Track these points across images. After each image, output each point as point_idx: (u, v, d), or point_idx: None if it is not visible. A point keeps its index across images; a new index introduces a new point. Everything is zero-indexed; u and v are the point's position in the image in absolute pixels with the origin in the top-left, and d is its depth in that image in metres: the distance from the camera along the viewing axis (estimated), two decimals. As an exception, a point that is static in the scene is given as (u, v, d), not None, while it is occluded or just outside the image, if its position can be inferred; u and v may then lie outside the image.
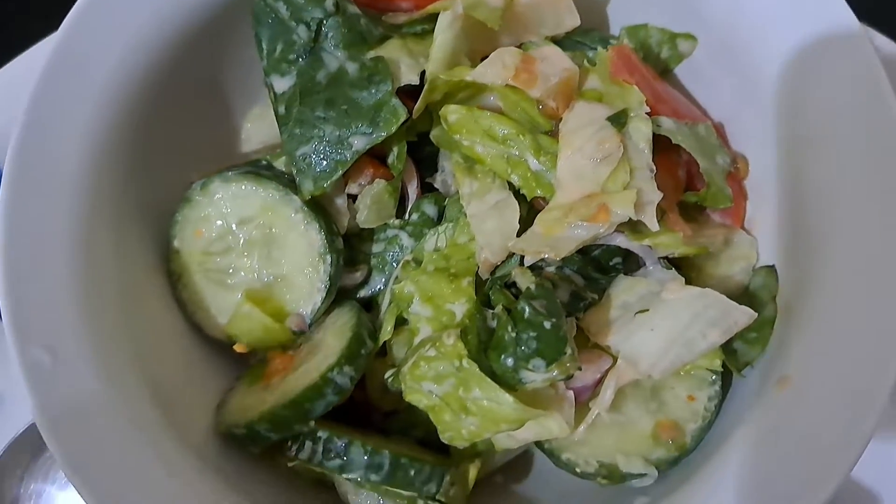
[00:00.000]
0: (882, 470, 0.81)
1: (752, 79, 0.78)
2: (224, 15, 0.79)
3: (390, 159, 0.77)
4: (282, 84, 0.76)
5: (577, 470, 0.72)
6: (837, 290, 0.69)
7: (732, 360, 0.72)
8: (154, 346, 0.75)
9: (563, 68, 0.73)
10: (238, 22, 0.80)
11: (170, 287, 0.80)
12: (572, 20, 0.80)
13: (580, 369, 0.67)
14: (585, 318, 0.73)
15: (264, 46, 0.76)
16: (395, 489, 0.69)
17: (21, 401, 0.87)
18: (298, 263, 0.76)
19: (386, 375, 0.73)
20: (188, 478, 0.66)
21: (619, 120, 0.72)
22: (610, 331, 0.72)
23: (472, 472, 0.72)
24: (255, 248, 0.77)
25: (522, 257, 0.73)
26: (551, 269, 0.73)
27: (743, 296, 0.76)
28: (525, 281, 0.71)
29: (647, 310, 0.71)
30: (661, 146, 0.75)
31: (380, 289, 0.80)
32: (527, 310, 0.66)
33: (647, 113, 0.72)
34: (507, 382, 0.67)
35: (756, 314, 0.70)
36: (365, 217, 0.78)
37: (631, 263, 0.77)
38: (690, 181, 0.81)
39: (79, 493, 0.60)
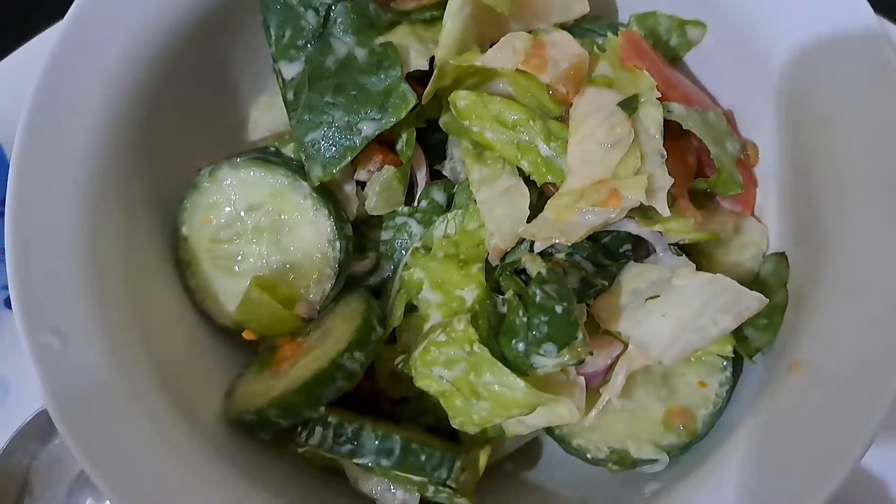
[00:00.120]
0: (891, 458, 0.81)
1: (763, 66, 0.77)
2: (231, 2, 0.79)
3: (399, 146, 0.77)
4: (290, 70, 0.76)
5: (588, 456, 0.72)
6: (849, 277, 0.69)
7: (744, 347, 0.72)
8: (162, 333, 0.74)
9: (573, 53, 0.73)
10: (245, 9, 0.79)
11: (178, 275, 0.80)
12: (581, 7, 0.80)
13: (591, 354, 0.67)
14: (595, 305, 0.73)
15: (272, 32, 0.76)
16: (406, 474, 0.69)
17: (27, 389, 0.89)
18: (307, 250, 0.76)
19: (396, 361, 0.72)
20: (198, 462, 0.65)
21: (629, 105, 0.72)
22: (620, 317, 0.72)
23: (483, 458, 0.72)
24: (263, 235, 0.77)
25: (532, 244, 0.73)
26: (561, 255, 0.73)
27: (753, 282, 0.76)
28: (535, 267, 0.71)
29: (658, 296, 0.71)
30: (672, 133, 0.75)
31: (389, 276, 0.80)
32: (538, 294, 0.65)
33: (657, 98, 0.72)
34: (518, 367, 0.67)
35: (767, 300, 0.70)
36: (374, 204, 0.77)
37: (641, 251, 0.77)
38: (700, 168, 0.80)
39: (90, 475, 0.60)
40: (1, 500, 0.80)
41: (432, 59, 0.74)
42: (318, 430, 0.69)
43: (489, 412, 0.67)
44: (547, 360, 0.66)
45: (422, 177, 0.80)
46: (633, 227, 0.72)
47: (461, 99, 0.74)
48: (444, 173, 0.81)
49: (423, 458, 0.68)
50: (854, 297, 0.67)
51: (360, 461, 0.68)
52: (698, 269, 0.73)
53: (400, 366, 0.72)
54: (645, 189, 0.68)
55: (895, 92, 0.68)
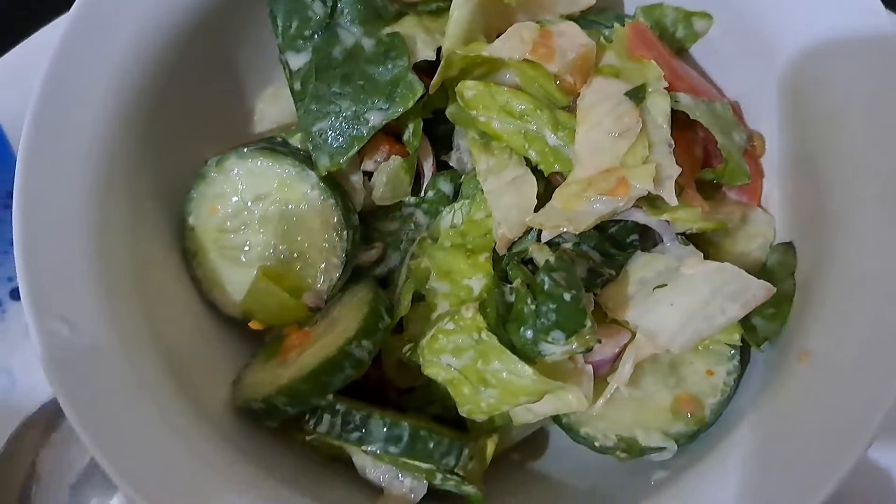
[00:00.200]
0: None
1: (769, 58, 0.77)
2: (238, -6, 0.79)
3: (406, 136, 0.77)
4: (297, 60, 0.76)
5: (596, 444, 0.72)
6: (856, 266, 0.69)
7: (751, 336, 0.72)
8: (169, 323, 0.74)
9: (580, 44, 0.73)
10: (252, 1, 0.80)
11: (185, 265, 0.80)
12: (587, -2, 0.80)
13: (599, 342, 0.67)
14: (603, 294, 0.73)
15: (279, 23, 0.76)
16: (414, 462, 0.69)
17: (34, 380, 0.89)
18: (315, 239, 0.76)
19: (404, 350, 0.73)
20: (205, 449, 0.65)
21: (637, 95, 0.72)
22: (628, 306, 0.72)
23: (490, 446, 0.72)
24: (270, 225, 0.77)
25: (539, 234, 0.73)
26: (568, 245, 0.73)
27: (761, 272, 0.76)
28: (542, 256, 0.71)
29: (666, 285, 0.71)
30: (678, 124, 0.75)
31: (395, 266, 0.80)
32: (547, 282, 0.65)
33: (664, 88, 0.72)
34: (527, 355, 0.67)
35: (775, 289, 0.70)
36: (381, 194, 0.78)
37: (647, 241, 0.77)
38: (707, 159, 0.80)
39: (98, 461, 0.60)
40: (9, 487, 0.80)
41: (439, 50, 0.74)
42: (327, 417, 0.69)
43: (497, 400, 0.67)
44: (555, 348, 0.66)
45: (428, 167, 0.80)
46: (640, 217, 0.72)
47: (468, 89, 0.74)
48: (450, 164, 0.81)
49: (431, 445, 0.68)
50: (862, 287, 0.67)
51: (369, 448, 0.68)
52: (705, 258, 0.73)
53: (408, 354, 0.72)
54: (653, 178, 0.68)
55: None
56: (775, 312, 0.72)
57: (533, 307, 0.66)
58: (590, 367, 0.70)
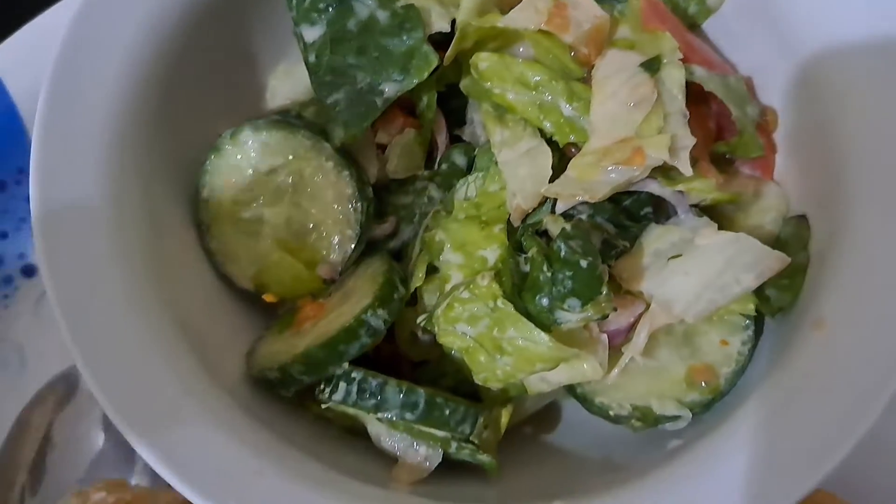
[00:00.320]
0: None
1: (783, 33, 0.77)
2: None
3: (420, 108, 0.77)
4: (312, 33, 0.76)
5: (611, 413, 0.72)
6: (871, 239, 0.69)
7: (766, 306, 0.72)
8: (184, 295, 0.75)
9: (594, 15, 0.73)
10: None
11: (198, 238, 0.80)
12: (600, -27, 0.80)
13: (615, 310, 0.67)
14: (617, 266, 0.73)
15: (293, -4, 0.76)
16: (430, 429, 0.69)
17: (45, 355, 0.89)
18: (329, 211, 0.76)
19: (419, 320, 0.73)
20: (223, 413, 0.66)
21: (652, 66, 0.72)
22: (643, 277, 0.72)
23: (505, 416, 0.72)
24: (285, 197, 0.77)
25: (554, 205, 0.73)
26: (583, 216, 0.73)
27: (774, 245, 0.75)
28: (557, 227, 0.71)
29: (680, 255, 0.71)
30: (692, 97, 0.75)
31: (409, 239, 0.80)
32: (563, 249, 0.66)
33: (679, 60, 0.72)
34: (542, 323, 0.67)
35: (789, 259, 0.70)
36: (394, 167, 0.78)
37: (661, 214, 0.77)
38: (720, 134, 0.81)
39: (114, 422, 0.60)
40: (22, 454, 0.80)
41: (454, 22, 0.75)
42: (342, 385, 0.69)
43: (513, 367, 0.68)
44: (571, 316, 0.66)
45: (442, 140, 0.80)
46: (655, 188, 0.72)
47: (482, 61, 0.74)
48: (463, 138, 0.81)
49: (447, 412, 0.68)
50: (876, 257, 0.68)
51: (385, 415, 0.68)
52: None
53: (422, 324, 0.72)
54: (668, 148, 0.68)
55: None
56: (789, 283, 0.72)
57: (549, 274, 0.66)
58: (605, 337, 0.70)
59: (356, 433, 0.74)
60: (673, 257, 0.72)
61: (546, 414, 0.80)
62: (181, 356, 0.68)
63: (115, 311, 0.66)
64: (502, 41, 0.76)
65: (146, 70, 0.74)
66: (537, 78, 0.73)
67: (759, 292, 0.72)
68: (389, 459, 0.72)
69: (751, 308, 0.72)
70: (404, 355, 0.79)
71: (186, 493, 0.60)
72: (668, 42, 0.73)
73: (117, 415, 0.61)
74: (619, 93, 0.71)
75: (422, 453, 0.70)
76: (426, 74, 0.73)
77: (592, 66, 0.74)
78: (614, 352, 0.71)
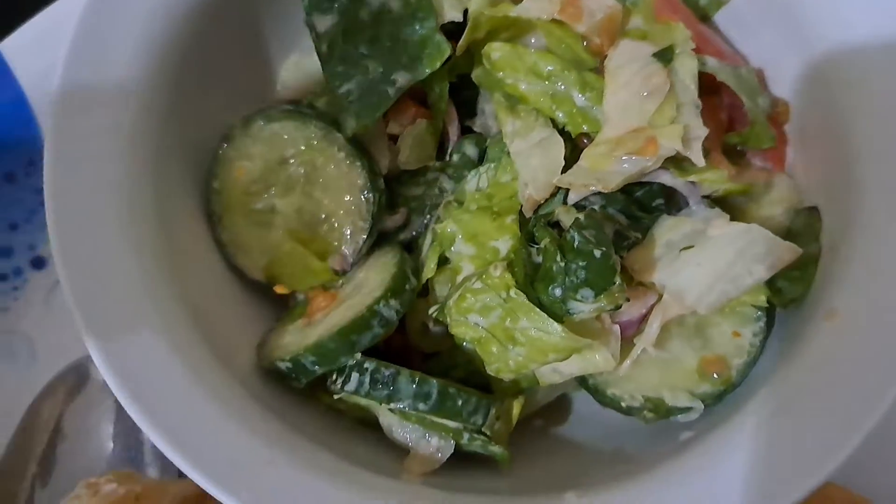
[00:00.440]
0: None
1: (795, 25, 0.77)
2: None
3: (432, 98, 0.77)
4: (324, 22, 0.76)
5: (623, 405, 0.71)
6: (883, 230, 0.69)
7: (777, 298, 0.72)
8: (195, 286, 0.74)
9: (607, 4, 0.73)
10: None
11: (210, 229, 0.80)
12: (612, -36, 0.80)
13: (628, 300, 0.67)
14: (629, 257, 0.73)
15: (306, -15, 0.76)
16: (442, 419, 0.69)
17: (54, 346, 0.89)
18: (341, 202, 0.76)
19: (430, 311, 0.73)
20: (235, 403, 0.66)
21: (665, 56, 0.72)
22: (655, 268, 0.72)
23: (516, 407, 0.72)
24: (296, 187, 0.77)
25: (566, 196, 0.73)
26: (595, 207, 0.73)
27: (786, 236, 0.75)
28: (569, 218, 0.71)
29: (692, 246, 0.71)
30: (704, 89, 0.74)
31: (420, 231, 0.79)
32: (577, 239, 0.65)
33: (692, 50, 0.72)
34: (555, 313, 0.67)
35: (801, 250, 0.70)
36: (406, 157, 0.77)
37: (672, 206, 0.77)
38: (731, 125, 0.81)
39: (127, 409, 0.61)
40: (32, 444, 0.81)
41: (466, 12, 0.74)
42: (355, 375, 0.69)
43: (525, 357, 0.67)
44: (584, 306, 0.66)
45: (454, 131, 0.80)
46: (667, 178, 0.72)
47: (495, 51, 0.74)
48: (475, 129, 0.81)
49: (459, 402, 0.68)
50: (888, 248, 0.68)
51: (397, 406, 0.68)
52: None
53: (434, 315, 0.72)
54: (681, 138, 0.68)
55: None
56: (801, 274, 0.72)
57: (562, 265, 0.66)
58: (617, 328, 0.70)
59: (368, 424, 0.74)
60: (685, 248, 0.71)
61: (557, 406, 0.80)
62: (193, 346, 0.68)
63: (127, 303, 0.66)
64: (515, 31, 0.76)
65: (158, 60, 0.74)
66: (550, 68, 0.73)
67: (770, 283, 0.71)
68: (401, 450, 0.72)
69: (762, 299, 0.71)
70: (415, 346, 0.78)
71: (199, 480, 0.60)
72: (681, 32, 0.73)
73: (132, 404, 0.61)
74: (631, 82, 0.71)
75: (434, 444, 0.70)
76: (438, 64, 0.73)
77: (605, 56, 0.74)
78: (626, 343, 0.71)
